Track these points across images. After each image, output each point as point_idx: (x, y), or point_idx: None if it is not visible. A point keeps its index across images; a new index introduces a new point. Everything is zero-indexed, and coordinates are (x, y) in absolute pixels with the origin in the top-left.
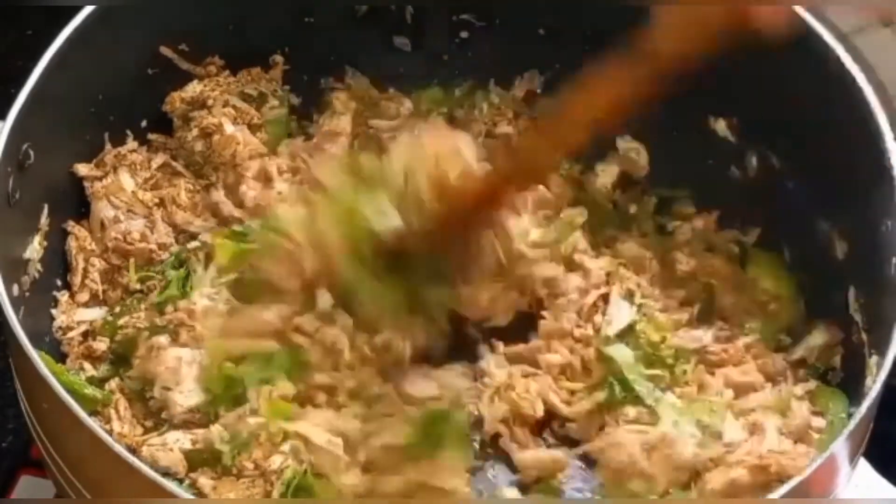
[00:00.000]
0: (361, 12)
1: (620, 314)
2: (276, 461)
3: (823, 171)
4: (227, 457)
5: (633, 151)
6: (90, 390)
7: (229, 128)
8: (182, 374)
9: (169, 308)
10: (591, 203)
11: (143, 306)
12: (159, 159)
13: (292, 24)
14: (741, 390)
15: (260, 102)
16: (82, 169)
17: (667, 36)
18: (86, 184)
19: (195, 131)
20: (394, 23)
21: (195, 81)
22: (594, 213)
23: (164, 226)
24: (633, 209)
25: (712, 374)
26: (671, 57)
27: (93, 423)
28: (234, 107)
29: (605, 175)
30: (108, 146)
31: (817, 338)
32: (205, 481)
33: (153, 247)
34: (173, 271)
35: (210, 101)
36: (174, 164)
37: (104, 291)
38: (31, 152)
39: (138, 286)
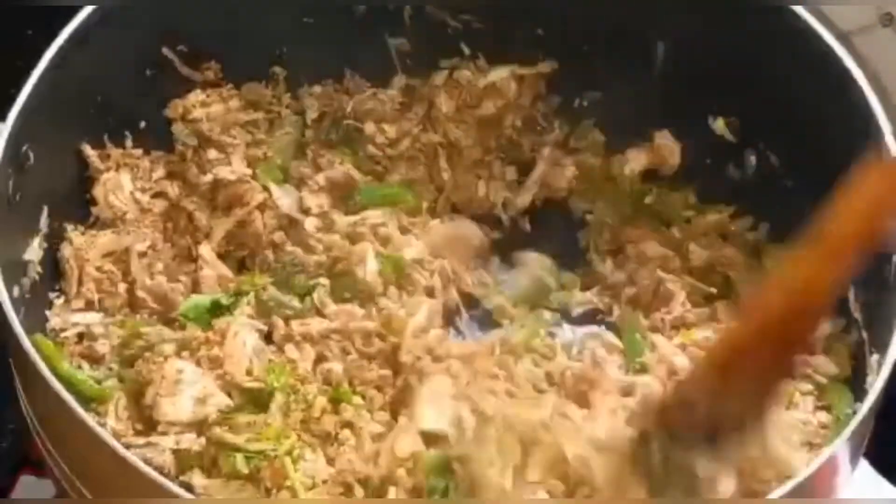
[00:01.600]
0: (360, 13)
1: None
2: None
3: (823, 170)
4: (241, 461)
5: (667, 149)
6: (90, 383)
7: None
8: (179, 387)
9: (190, 327)
10: (612, 193)
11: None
12: (160, 172)
13: (291, 25)
14: None
15: (269, 126)
16: (88, 150)
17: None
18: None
19: (209, 176)
20: (392, 24)
21: (197, 91)
22: (616, 205)
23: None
24: (648, 199)
25: None
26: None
27: (93, 422)
28: (245, 144)
29: (635, 162)
30: (108, 147)
31: (822, 328)
32: (198, 481)
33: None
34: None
35: (222, 141)
36: (173, 194)
37: (100, 300)
38: (31, 154)
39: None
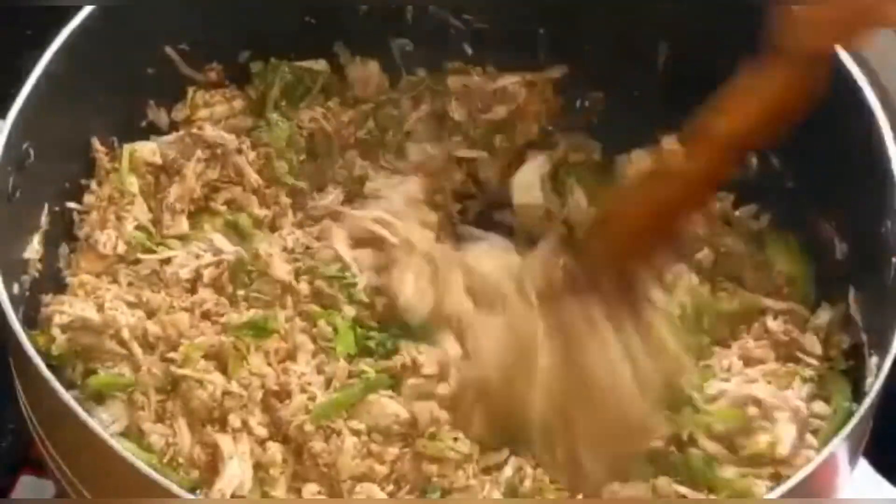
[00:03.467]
0: (362, 13)
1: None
2: None
3: (823, 171)
4: None
5: (671, 152)
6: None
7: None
8: None
9: None
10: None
11: None
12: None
13: (291, 24)
14: (750, 363)
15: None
16: (97, 144)
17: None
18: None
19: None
20: (394, 23)
21: (200, 91)
22: None
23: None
24: None
25: (728, 346)
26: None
27: (93, 422)
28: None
29: (638, 165)
30: (115, 143)
31: (823, 316)
32: None
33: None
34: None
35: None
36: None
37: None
38: (32, 151)
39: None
